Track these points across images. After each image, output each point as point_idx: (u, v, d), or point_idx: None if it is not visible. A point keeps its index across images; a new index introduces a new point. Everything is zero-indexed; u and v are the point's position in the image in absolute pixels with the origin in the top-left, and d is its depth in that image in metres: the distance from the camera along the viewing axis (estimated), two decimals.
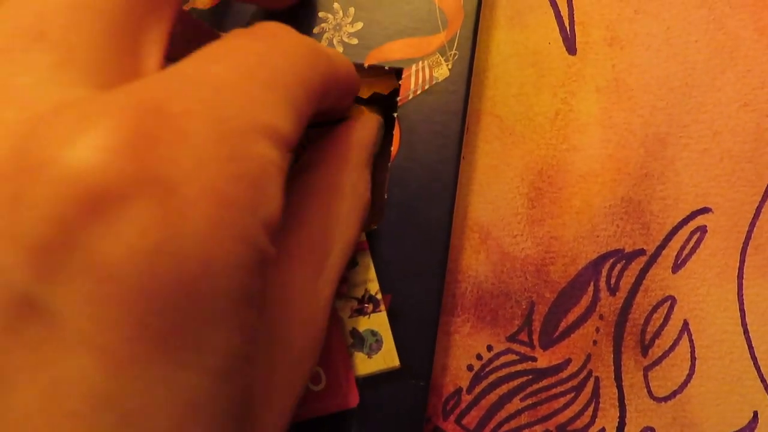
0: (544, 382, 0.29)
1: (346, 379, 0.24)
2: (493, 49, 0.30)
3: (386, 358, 0.24)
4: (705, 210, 0.29)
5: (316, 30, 0.26)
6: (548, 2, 0.30)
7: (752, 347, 0.29)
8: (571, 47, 0.30)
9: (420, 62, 0.25)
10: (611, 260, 0.29)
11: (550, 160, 0.29)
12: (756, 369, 0.28)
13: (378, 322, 0.24)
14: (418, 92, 0.25)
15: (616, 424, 0.29)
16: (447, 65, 0.25)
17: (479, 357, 0.29)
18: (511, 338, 0.29)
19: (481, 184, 0.29)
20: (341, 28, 0.25)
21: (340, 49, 0.26)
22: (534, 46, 0.30)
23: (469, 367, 0.29)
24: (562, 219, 0.29)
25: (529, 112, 0.30)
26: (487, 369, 0.29)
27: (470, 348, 0.29)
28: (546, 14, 0.30)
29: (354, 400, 0.24)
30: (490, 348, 0.29)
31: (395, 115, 0.25)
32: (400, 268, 0.24)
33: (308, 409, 0.24)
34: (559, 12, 0.30)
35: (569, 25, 0.30)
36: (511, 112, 0.30)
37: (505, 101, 0.30)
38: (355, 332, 0.24)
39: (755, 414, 0.28)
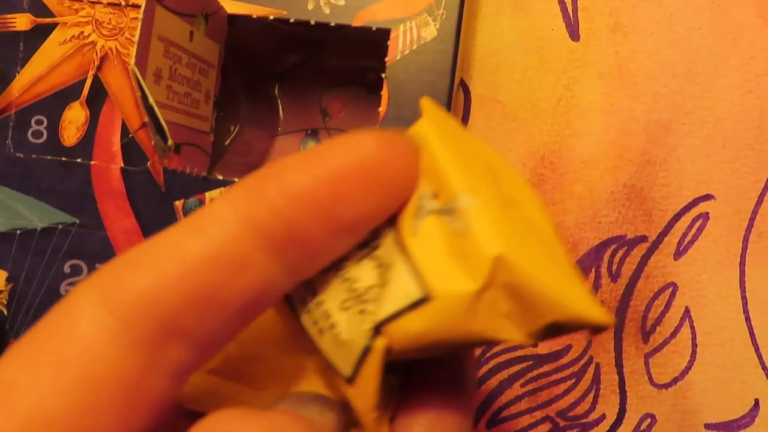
0: (545, 368, 0.29)
1: None
2: (496, 35, 0.30)
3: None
4: (707, 197, 0.29)
5: None
6: None
7: (754, 334, 0.29)
8: (574, 33, 0.30)
9: (407, 22, 0.25)
10: (613, 246, 0.29)
11: (552, 146, 0.29)
12: (757, 356, 0.28)
13: None
14: (406, 52, 0.25)
15: (617, 411, 0.29)
16: (435, 25, 0.25)
17: None
18: None
19: None
20: None
21: (327, 11, 0.26)
22: (537, 32, 0.30)
23: None
24: (564, 205, 0.29)
25: (531, 97, 0.30)
26: (487, 354, 0.29)
27: None
28: (549, 0, 0.30)
29: None
30: None
31: (383, 76, 0.25)
32: None
33: None
34: None
35: (572, 11, 0.30)
36: (514, 98, 0.30)
37: (508, 87, 0.30)
38: None
39: (756, 401, 0.28)
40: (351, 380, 0.14)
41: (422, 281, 0.13)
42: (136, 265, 0.12)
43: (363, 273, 0.14)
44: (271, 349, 0.16)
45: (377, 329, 0.14)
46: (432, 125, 0.15)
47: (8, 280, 0.27)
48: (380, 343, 0.14)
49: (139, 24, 0.21)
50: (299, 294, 0.15)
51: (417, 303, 0.13)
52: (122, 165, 0.26)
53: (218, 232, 0.12)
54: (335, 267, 0.15)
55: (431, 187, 0.14)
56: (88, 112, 0.27)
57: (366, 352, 0.14)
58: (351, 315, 0.14)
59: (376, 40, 0.26)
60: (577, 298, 0.13)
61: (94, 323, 0.12)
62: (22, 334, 0.27)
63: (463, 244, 0.13)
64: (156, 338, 0.12)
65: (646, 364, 0.29)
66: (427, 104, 0.15)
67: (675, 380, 0.29)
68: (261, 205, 0.12)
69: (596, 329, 0.13)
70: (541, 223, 0.15)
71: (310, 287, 0.15)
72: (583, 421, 0.29)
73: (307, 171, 0.13)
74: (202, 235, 0.12)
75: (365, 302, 0.14)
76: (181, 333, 0.12)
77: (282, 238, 0.12)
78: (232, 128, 0.30)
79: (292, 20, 0.26)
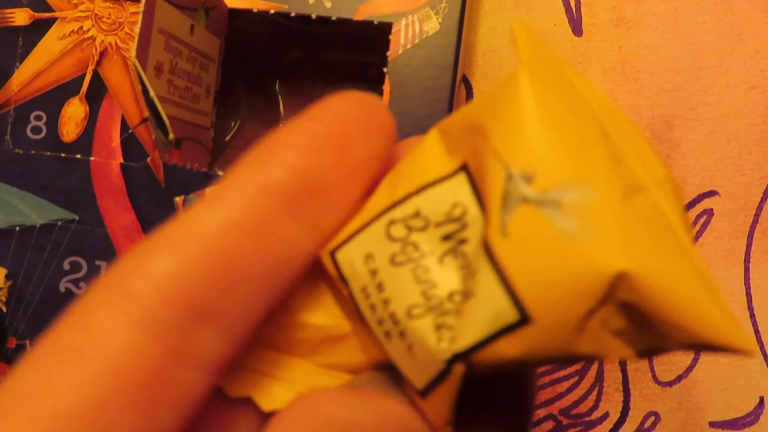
0: (548, 366, 0.29)
1: None
2: (498, 30, 0.30)
3: None
4: (712, 193, 0.29)
5: None
6: None
7: (758, 332, 0.28)
8: (577, 28, 0.29)
9: (409, 16, 0.25)
10: None
11: None
12: (762, 354, 0.28)
13: None
14: (408, 46, 0.25)
15: (620, 409, 0.29)
16: (437, 18, 0.25)
17: None
18: None
19: None
20: None
21: (328, 5, 0.26)
22: (540, 28, 0.29)
23: None
24: None
25: None
26: None
27: None
28: None
29: None
30: None
31: (385, 70, 0.25)
32: None
33: None
34: None
35: (575, 6, 0.29)
36: None
37: None
38: None
39: (761, 399, 0.28)
40: (423, 395, 0.12)
41: (517, 299, 0.11)
42: (157, 247, 0.12)
43: (444, 274, 0.12)
44: (317, 315, 0.13)
45: (459, 356, 0.11)
46: (530, 81, 0.11)
47: (7, 277, 0.26)
48: (460, 369, 0.11)
49: (140, 17, 0.21)
50: (359, 282, 0.12)
51: (511, 327, 0.11)
52: (122, 161, 0.26)
53: (237, 200, 0.12)
54: (408, 259, 0.12)
55: (522, 163, 0.11)
56: (87, 107, 0.27)
57: (443, 374, 0.11)
58: (427, 327, 0.12)
59: (377, 34, 0.26)
60: (713, 321, 0.10)
61: (115, 312, 0.11)
62: (22, 331, 0.26)
63: (571, 250, 0.10)
64: (183, 322, 0.11)
65: (650, 361, 0.29)
66: (521, 38, 0.12)
67: (679, 378, 0.28)
68: (276, 165, 0.12)
69: (732, 352, 0.11)
70: (666, 205, 0.11)
71: (374, 276, 0.12)
72: (587, 419, 0.29)
73: (314, 127, 0.13)
74: (220, 206, 0.12)
75: (445, 314, 0.11)
76: (210, 314, 0.11)
77: (301, 191, 0.12)
78: (232, 124, 0.30)
79: (293, 14, 0.26)
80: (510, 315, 0.11)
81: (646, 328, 0.11)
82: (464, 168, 0.12)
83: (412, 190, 0.12)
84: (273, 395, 0.13)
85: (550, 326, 0.11)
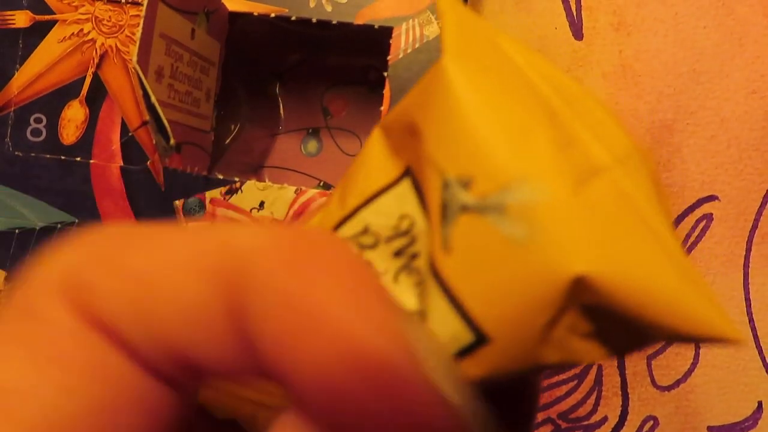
0: (546, 370, 0.29)
1: None
2: None
3: None
4: (711, 198, 0.29)
5: None
6: None
7: (757, 337, 0.28)
8: (577, 32, 0.29)
9: (410, 20, 0.25)
10: None
11: None
12: (761, 358, 0.28)
13: None
14: (409, 51, 0.25)
15: (619, 413, 0.29)
16: (437, 23, 0.25)
17: None
18: None
19: None
20: None
21: (329, 9, 0.26)
22: (540, 31, 0.29)
23: None
24: None
25: None
26: None
27: None
28: None
29: None
30: None
31: (385, 74, 0.25)
32: None
33: None
34: None
35: (576, 10, 0.29)
36: None
37: None
38: None
39: (760, 404, 0.28)
40: None
41: (470, 319, 0.10)
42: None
43: (399, 294, 0.11)
44: None
45: None
46: (458, 68, 0.10)
47: (7, 279, 0.26)
48: None
49: (142, 21, 0.21)
50: None
51: (469, 348, 0.10)
52: (122, 164, 0.26)
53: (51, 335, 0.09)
54: None
55: (457, 167, 0.10)
56: (87, 110, 0.27)
57: None
58: None
59: (378, 38, 0.26)
60: (691, 313, 0.09)
61: None
62: None
63: (520, 259, 0.09)
64: None
65: (649, 365, 0.29)
66: (446, 15, 0.10)
67: (678, 382, 0.29)
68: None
69: (717, 342, 0.09)
70: (630, 186, 0.10)
71: None
72: (585, 423, 0.29)
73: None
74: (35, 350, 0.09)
75: None
76: None
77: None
78: (232, 127, 0.30)
79: (293, 18, 0.26)
80: (466, 336, 0.10)
81: (619, 328, 0.10)
82: (408, 173, 0.11)
83: (360, 202, 0.11)
84: (259, 419, 0.12)
85: (510, 343, 0.10)
